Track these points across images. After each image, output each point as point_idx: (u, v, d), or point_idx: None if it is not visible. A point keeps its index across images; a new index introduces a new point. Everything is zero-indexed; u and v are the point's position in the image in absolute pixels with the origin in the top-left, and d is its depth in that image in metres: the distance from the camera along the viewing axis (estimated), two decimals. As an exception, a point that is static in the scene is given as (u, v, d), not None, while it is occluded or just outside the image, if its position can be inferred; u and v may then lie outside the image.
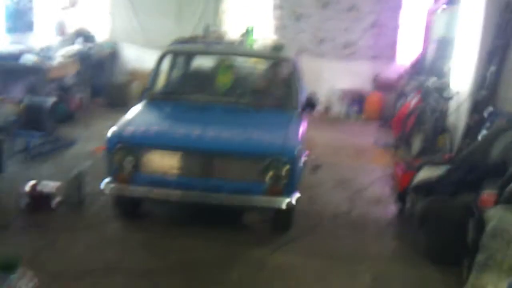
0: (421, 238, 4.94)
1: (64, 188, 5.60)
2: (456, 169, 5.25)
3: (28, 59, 8.63)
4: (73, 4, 10.77)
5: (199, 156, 4.81)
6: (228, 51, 6.36)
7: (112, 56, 11.33)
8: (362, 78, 10.93)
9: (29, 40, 9.43)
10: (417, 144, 7.78)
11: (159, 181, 4.85)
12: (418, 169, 5.66)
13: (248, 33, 6.76)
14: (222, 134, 5.03)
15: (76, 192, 5.59)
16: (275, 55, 6.36)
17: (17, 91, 8.20)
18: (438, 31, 8.58)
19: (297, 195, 4.89)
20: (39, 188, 5.48)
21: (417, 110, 8.16)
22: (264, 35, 7.73)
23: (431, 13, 9.06)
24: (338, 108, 11.13)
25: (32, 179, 5.66)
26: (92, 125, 8.75)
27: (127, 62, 11.44)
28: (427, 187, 5.24)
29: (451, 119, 7.61)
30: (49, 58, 9.17)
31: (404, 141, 8.33)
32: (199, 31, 7.56)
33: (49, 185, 5.57)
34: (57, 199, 5.52)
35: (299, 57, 6.84)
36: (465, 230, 4.43)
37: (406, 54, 10.65)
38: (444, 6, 8.54)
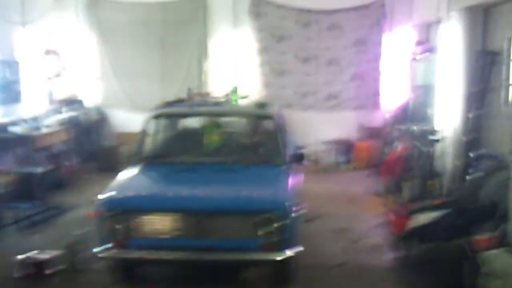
0: (420, 283, 4.89)
1: (59, 257, 5.51)
2: (447, 214, 5.26)
3: (16, 129, 8.67)
4: (58, 74, 10.88)
5: (191, 217, 4.79)
6: (212, 112, 6.42)
7: (100, 121, 11.40)
8: (348, 128, 11.04)
9: (17, 111, 9.47)
10: (407, 189, 7.80)
11: (153, 243, 4.82)
12: (411, 215, 5.66)
13: (232, 91, 6.87)
14: (212, 194, 5.03)
15: (71, 260, 5.52)
16: (258, 113, 6.44)
17: (6, 162, 8.19)
18: (418, 78, 8.74)
19: (296, 248, 4.85)
20: (33, 257, 5.41)
21: (404, 155, 8.23)
22: (248, 93, 7.81)
23: (408, 61, 9.26)
24: (327, 159, 11.17)
25: (26, 249, 5.57)
26: (82, 192, 8.69)
27: (115, 126, 11.49)
28: (421, 233, 5.24)
29: (438, 163, 7.68)
30: (38, 127, 9.21)
31: (394, 187, 8.35)
32: (183, 93, 7.64)
33: (43, 254, 5.49)
34: (52, 268, 5.43)
35: (283, 112, 6.91)
36: (461, 273, 4.41)
37: (389, 101, 10.81)
38: (422, 55, 8.74)
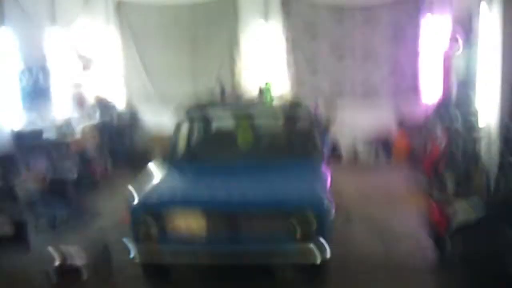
0: (465, 283, 4.80)
1: (92, 263, 5.60)
2: (494, 209, 5.15)
3: (50, 135, 8.87)
4: (87, 66, 11.02)
5: (225, 216, 4.82)
6: (246, 114, 6.44)
7: (131, 123, 11.55)
8: (388, 123, 10.90)
9: (50, 116, 9.68)
10: (451, 185, 7.68)
11: (187, 245, 4.87)
12: (455, 212, 5.56)
13: (266, 90, 6.88)
14: (246, 192, 5.05)
15: (106, 264, 5.61)
16: (294, 111, 6.41)
17: (41, 168, 8.37)
18: (460, 71, 8.61)
19: (328, 250, 4.81)
20: (67, 264, 5.51)
21: (448, 150, 8.10)
22: (282, 92, 7.81)
23: (448, 56, 9.12)
24: (366, 155, 11.07)
25: (62, 255, 5.68)
26: (116, 194, 8.81)
27: (147, 128, 11.63)
28: (466, 231, 5.14)
29: (483, 158, 7.52)
30: (71, 132, 9.41)
31: (437, 183, 8.22)
32: (216, 90, 7.66)
33: (80, 260, 5.61)
34: (86, 274, 5.52)
35: (320, 109, 6.89)
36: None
37: (430, 96, 10.66)
38: (464, 46, 8.60)
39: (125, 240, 5.22)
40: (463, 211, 5.52)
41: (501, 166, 6.79)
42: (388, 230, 6.84)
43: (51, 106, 9.86)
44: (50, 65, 9.82)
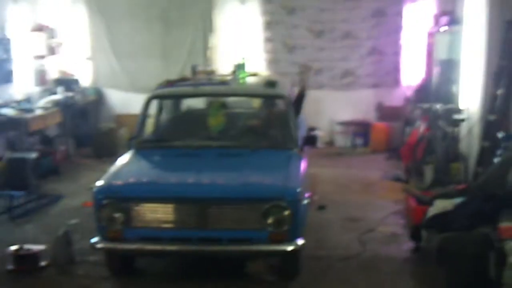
0: (440, 276, 4.90)
1: (52, 249, 5.58)
2: (471, 200, 5.24)
3: (8, 111, 8.70)
4: (52, 52, 10.89)
5: (194, 206, 4.82)
6: (218, 92, 6.42)
7: (96, 102, 11.44)
8: (365, 108, 11.02)
9: (8, 92, 9.51)
10: (429, 174, 7.79)
11: (153, 235, 4.87)
12: (431, 202, 5.65)
13: (239, 68, 6.85)
14: (217, 180, 5.07)
15: (65, 252, 5.56)
16: (268, 92, 6.41)
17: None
18: (441, 53, 8.67)
19: (301, 239, 4.88)
20: (25, 249, 5.47)
21: (427, 137, 8.20)
22: (256, 70, 7.79)
23: (432, 35, 9.17)
24: (341, 141, 11.17)
25: (19, 240, 5.64)
26: (78, 178, 8.77)
27: (113, 108, 11.55)
28: (442, 221, 5.22)
29: (462, 145, 7.64)
30: (31, 109, 9.24)
31: (414, 172, 8.34)
32: (187, 71, 7.65)
33: (37, 245, 5.57)
34: (47, 259, 5.50)
35: (294, 90, 6.90)
36: (485, 264, 4.41)
37: (409, 79, 10.74)
38: (445, 27, 8.66)
39: (87, 225, 5.22)
40: (441, 200, 5.60)
41: (481, 152, 6.90)
42: (364, 219, 6.92)
43: (11, 81, 9.66)
44: (11, 37, 9.62)
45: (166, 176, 5.33)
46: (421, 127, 8.61)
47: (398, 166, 9.25)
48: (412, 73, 10.67)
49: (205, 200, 4.81)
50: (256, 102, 7.52)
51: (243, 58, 6.93)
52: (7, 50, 9.46)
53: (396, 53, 10.93)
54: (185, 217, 4.83)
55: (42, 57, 10.66)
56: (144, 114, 6.13)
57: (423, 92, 9.38)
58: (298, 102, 6.58)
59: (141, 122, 6.10)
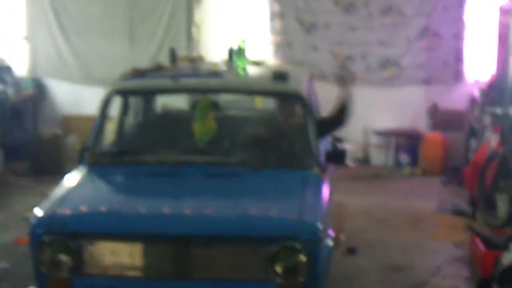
0: None
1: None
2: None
3: None
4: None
5: (171, 246, 4.80)
6: (207, 87, 6.41)
7: (35, 99, 11.47)
8: (413, 112, 11.04)
9: None
10: (503, 206, 7.79)
11: (114, 284, 4.86)
12: (507, 245, 5.65)
13: (237, 54, 6.84)
14: (203, 211, 5.03)
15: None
16: (277, 89, 6.39)
17: None
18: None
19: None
20: None
21: (500, 154, 8.20)
22: (260, 57, 7.80)
23: (507, 11, 9.17)
24: (380, 158, 11.17)
25: None
26: (9, 205, 8.77)
27: (58, 107, 11.57)
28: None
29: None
30: None
31: (483, 202, 8.32)
32: (164, 56, 7.66)
33: None
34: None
35: (315, 86, 6.90)
36: None
37: (476, 72, 10.74)
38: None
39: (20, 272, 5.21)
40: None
41: None
42: (411, 268, 6.93)
43: None
44: None
45: (132, 204, 5.27)
46: (492, 140, 8.60)
47: (459, 194, 9.26)
48: (480, 64, 10.67)
49: (186, 238, 4.79)
50: (260, 102, 7.52)
51: (243, 40, 6.93)
52: None
53: (457, 36, 10.96)
54: (158, 262, 4.81)
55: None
56: (103, 116, 6.12)
57: (495, 91, 9.38)
58: (331, 121, 6.57)
59: (98, 127, 6.09)
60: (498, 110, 8.68)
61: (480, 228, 7.39)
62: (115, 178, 5.81)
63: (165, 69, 6.67)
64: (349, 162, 6.22)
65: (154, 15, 11.15)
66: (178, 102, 7.65)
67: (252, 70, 6.88)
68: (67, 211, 5.07)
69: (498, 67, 9.52)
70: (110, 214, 5.07)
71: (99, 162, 5.89)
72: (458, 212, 8.64)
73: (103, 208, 5.18)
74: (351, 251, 7.21)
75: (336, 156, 6.00)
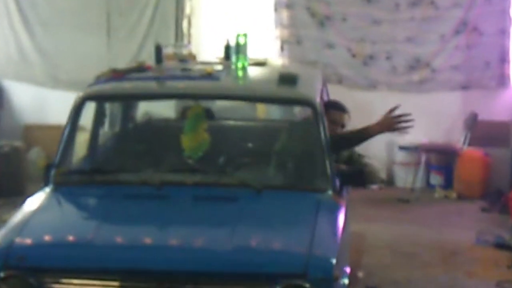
0: None
1: None
2: None
3: None
4: None
5: (152, 285, 4.78)
6: (199, 91, 6.38)
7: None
8: (447, 123, 11.07)
9: None
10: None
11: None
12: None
13: (236, 52, 6.85)
14: (193, 243, 5.03)
15: None
16: (284, 95, 6.38)
17: None
18: None
19: None
20: None
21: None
22: (264, 56, 7.81)
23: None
24: (406, 179, 11.16)
25: None
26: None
27: (19, 114, 11.57)
28: None
29: None
30: None
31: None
32: (148, 54, 7.68)
33: None
34: None
35: (327, 92, 6.91)
36: None
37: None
38: None
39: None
40: None
41: None
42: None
43: None
44: None
45: (106, 233, 5.23)
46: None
47: (502, 223, 9.25)
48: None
49: (171, 275, 4.78)
50: (263, 110, 7.52)
51: (244, 36, 6.94)
52: None
53: (502, 32, 11.04)
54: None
55: None
56: (72, 126, 6.12)
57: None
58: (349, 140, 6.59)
59: (67, 139, 6.09)
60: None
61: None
62: (86, 201, 5.82)
63: (148, 70, 6.68)
64: (369, 184, 6.22)
65: (136, 5, 11.19)
66: (164, 109, 7.62)
67: (253, 72, 6.88)
68: (27, 241, 5.06)
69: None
70: (79, 245, 5.06)
71: (68, 182, 5.91)
72: (501, 246, 8.62)
73: (71, 238, 5.17)
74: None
75: (355, 177, 5.98)
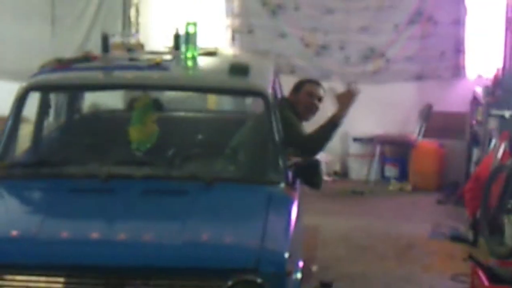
0: None
1: None
2: None
3: None
4: None
5: (101, 281, 4.75)
6: (147, 82, 6.38)
7: None
8: (402, 114, 11.09)
9: None
10: (510, 231, 7.83)
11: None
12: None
13: (186, 41, 6.83)
14: (141, 238, 5.00)
15: None
16: (235, 85, 6.39)
17: None
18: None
19: None
20: None
21: (508, 167, 8.25)
22: (215, 46, 7.80)
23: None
24: (361, 172, 11.20)
25: None
26: None
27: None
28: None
29: None
30: None
31: (487, 226, 8.36)
32: (94, 43, 7.62)
33: None
34: None
35: (279, 83, 6.91)
36: None
37: (479, 67, 10.81)
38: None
39: None
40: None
41: None
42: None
43: None
44: None
45: (51, 228, 5.19)
46: (498, 149, 8.65)
47: (458, 216, 9.33)
48: (484, 56, 10.75)
49: (120, 271, 4.75)
50: (214, 101, 7.50)
51: (193, 25, 6.91)
52: None
53: (457, 22, 11.11)
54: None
55: None
56: (15, 118, 6.09)
57: (502, 89, 9.45)
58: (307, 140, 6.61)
59: (9, 131, 6.06)
60: (506, 113, 8.74)
61: (483, 257, 7.42)
62: (30, 195, 5.79)
63: (95, 59, 6.63)
64: (324, 176, 6.23)
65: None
66: (111, 100, 7.57)
67: (203, 62, 6.87)
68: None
69: (505, 61, 9.60)
70: (23, 240, 5.02)
71: (11, 175, 5.86)
72: (456, 238, 8.70)
73: (14, 233, 5.12)
74: (325, 286, 7.19)
75: (308, 169, 5.97)
